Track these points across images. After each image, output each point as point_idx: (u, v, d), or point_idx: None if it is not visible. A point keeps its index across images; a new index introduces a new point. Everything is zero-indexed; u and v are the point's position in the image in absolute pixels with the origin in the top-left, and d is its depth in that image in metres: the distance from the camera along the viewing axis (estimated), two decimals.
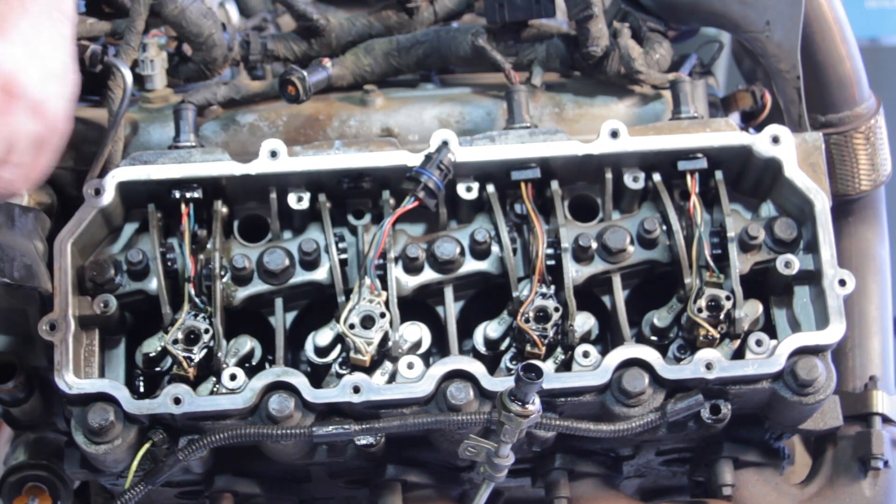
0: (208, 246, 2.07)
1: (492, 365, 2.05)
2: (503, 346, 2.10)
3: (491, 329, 2.09)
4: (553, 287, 2.06)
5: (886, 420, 2.25)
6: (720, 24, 2.27)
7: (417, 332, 2.09)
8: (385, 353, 2.03)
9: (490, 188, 2.11)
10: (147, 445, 1.98)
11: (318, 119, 2.25)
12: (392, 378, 2.02)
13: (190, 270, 2.04)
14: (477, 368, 1.98)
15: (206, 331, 2.00)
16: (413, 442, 2.10)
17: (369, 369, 2.01)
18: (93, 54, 2.17)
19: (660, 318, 2.09)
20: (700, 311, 2.02)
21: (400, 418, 1.97)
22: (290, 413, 1.96)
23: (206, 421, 1.98)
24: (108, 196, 2.03)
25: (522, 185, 2.09)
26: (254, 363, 2.11)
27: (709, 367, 1.99)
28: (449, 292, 2.10)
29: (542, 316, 2.03)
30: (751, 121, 2.39)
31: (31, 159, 1.75)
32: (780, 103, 2.27)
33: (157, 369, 2.07)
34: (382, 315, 2.01)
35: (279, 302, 2.09)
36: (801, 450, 2.43)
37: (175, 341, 1.99)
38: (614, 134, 2.09)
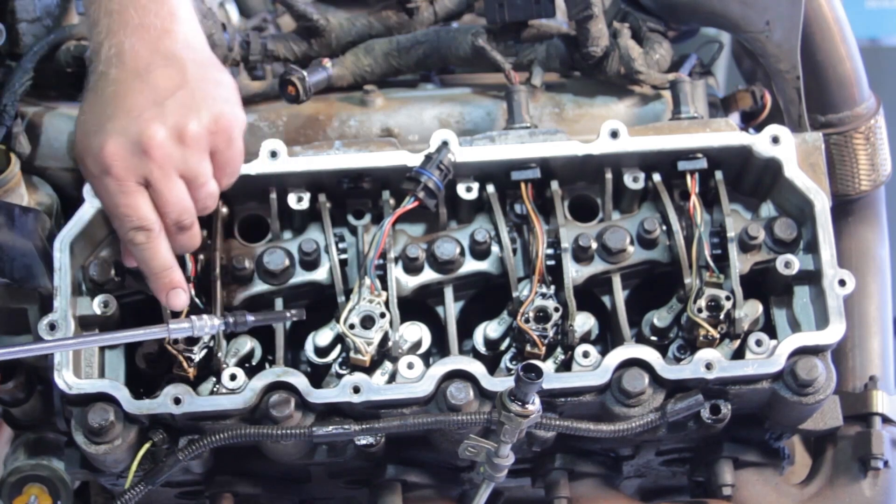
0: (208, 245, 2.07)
1: (492, 365, 2.05)
2: (503, 347, 2.10)
3: (491, 329, 2.09)
4: (553, 287, 2.06)
5: (886, 420, 2.24)
6: (720, 24, 2.27)
7: (417, 332, 2.09)
8: (385, 353, 2.03)
9: (490, 188, 2.11)
10: (147, 446, 1.98)
11: (318, 119, 2.25)
12: (392, 378, 2.02)
13: (190, 271, 2.03)
14: (477, 368, 1.98)
15: None
16: (413, 442, 2.10)
17: (369, 369, 2.01)
18: None
19: (660, 318, 2.09)
20: (700, 311, 2.02)
21: (400, 418, 1.97)
22: (290, 413, 1.96)
23: (206, 421, 1.98)
24: None
25: (522, 185, 2.09)
26: (254, 363, 2.11)
27: (709, 367, 1.99)
28: (449, 292, 2.10)
29: (542, 316, 2.04)
30: (751, 121, 2.39)
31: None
32: (779, 103, 2.27)
33: (157, 369, 2.07)
34: (382, 315, 2.01)
35: (279, 302, 2.09)
36: (801, 450, 2.43)
37: (175, 341, 1.99)
38: (614, 134, 2.09)
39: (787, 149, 2.08)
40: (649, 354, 2.00)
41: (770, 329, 2.09)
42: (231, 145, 1.93)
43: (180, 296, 1.93)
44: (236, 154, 1.95)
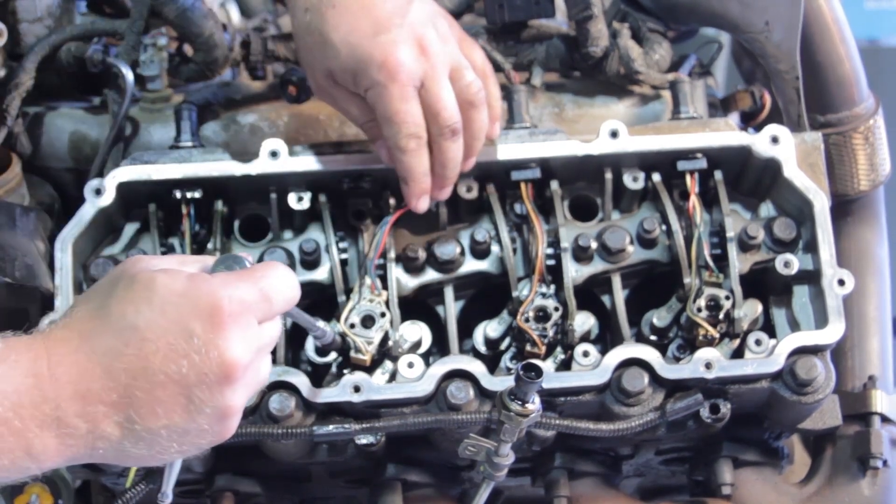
0: (209, 246, 2.07)
1: (492, 364, 2.06)
2: (503, 346, 2.10)
3: (491, 328, 2.10)
4: (553, 287, 2.07)
5: (885, 419, 2.24)
6: (719, 24, 2.28)
7: (417, 331, 2.09)
8: (385, 352, 2.03)
9: (490, 188, 2.11)
10: None
11: (318, 119, 2.26)
12: (392, 377, 2.02)
13: None
14: (477, 368, 1.99)
15: None
16: (413, 441, 2.10)
17: (370, 369, 2.01)
18: (93, 55, 2.18)
19: (659, 317, 2.09)
20: (699, 310, 2.03)
21: (400, 418, 1.97)
22: (290, 412, 1.97)
23: None
24: (109, 196, 2.03)
25: (522, 185, 2.10)
26: None
27: (708, 366, 1.99)
28: (449, 292, 2.11)
29: (542, 315, 2.04)
30: (750, 121, 2.39)
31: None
32: (779, 104, 2.27)
33: None
34: (383, 314, 2.01)
35: None
36: (801, 449, 2.43)
37: None
38: (614, 134, 2.09)
39: (787, 149, 2.08)
40: (649, 354, 2.00)
41: (769, 328, 2.09)
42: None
43: (426, 201, 2.00)
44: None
